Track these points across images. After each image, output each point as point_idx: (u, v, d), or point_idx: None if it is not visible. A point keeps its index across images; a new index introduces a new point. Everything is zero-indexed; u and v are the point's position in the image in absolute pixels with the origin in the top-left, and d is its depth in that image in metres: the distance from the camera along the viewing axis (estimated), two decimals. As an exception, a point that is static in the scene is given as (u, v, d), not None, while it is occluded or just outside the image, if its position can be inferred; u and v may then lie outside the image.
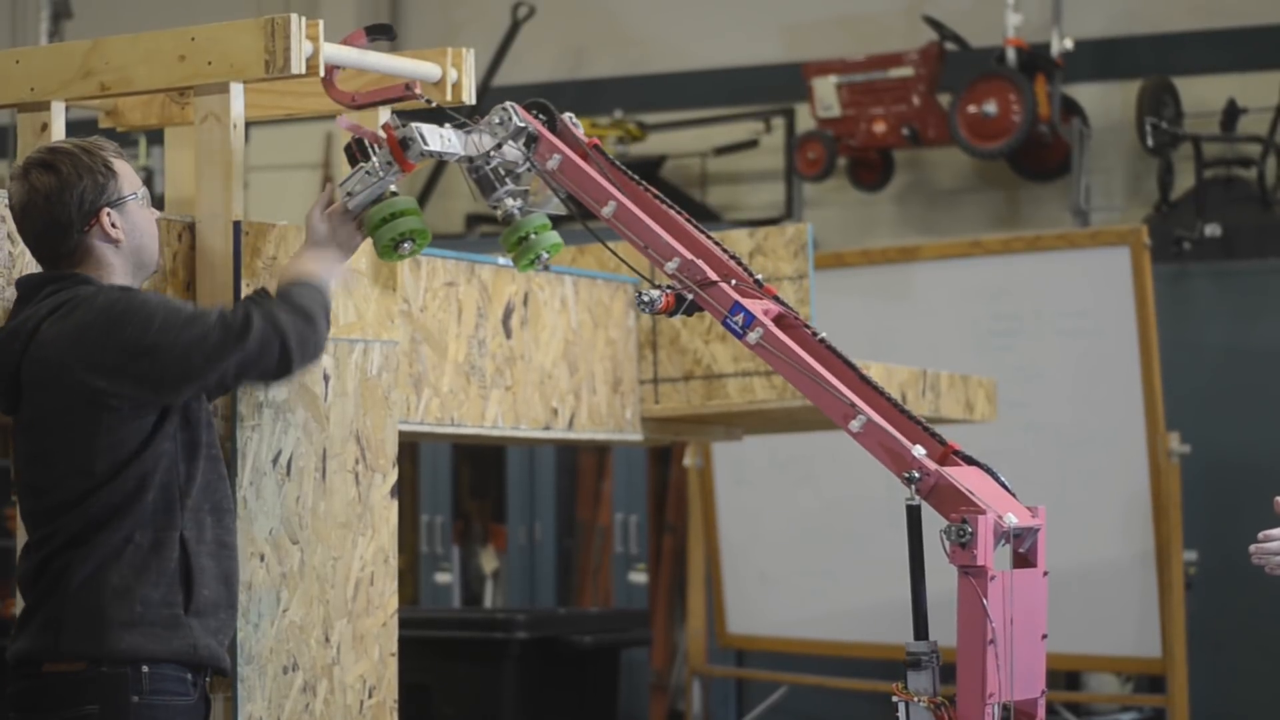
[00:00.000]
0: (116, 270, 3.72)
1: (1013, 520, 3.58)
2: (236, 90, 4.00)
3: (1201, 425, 8.10)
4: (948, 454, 3.69)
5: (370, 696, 4.23)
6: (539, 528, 9.63)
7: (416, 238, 4.01)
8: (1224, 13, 9.52)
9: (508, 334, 4.87)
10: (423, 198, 10.59)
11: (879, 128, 9.60)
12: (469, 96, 4.34)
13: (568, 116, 4.13)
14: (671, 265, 3.85)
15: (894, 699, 3.59)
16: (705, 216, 10.11)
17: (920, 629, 3.61)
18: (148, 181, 10.18)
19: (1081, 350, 7.96)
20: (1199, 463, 7.92)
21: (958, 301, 8.21)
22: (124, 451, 3.62)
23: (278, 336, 3.67)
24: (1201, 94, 9.26)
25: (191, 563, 3.66)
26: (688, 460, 8.80)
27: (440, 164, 10.61)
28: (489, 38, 10.53)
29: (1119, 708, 8.54)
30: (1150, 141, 8.98)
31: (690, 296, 3.82)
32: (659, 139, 10.42)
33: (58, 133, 4.10)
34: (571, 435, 5.13)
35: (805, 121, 10.02)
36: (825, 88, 9.67)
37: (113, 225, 3.70)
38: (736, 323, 3.76)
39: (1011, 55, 9.24)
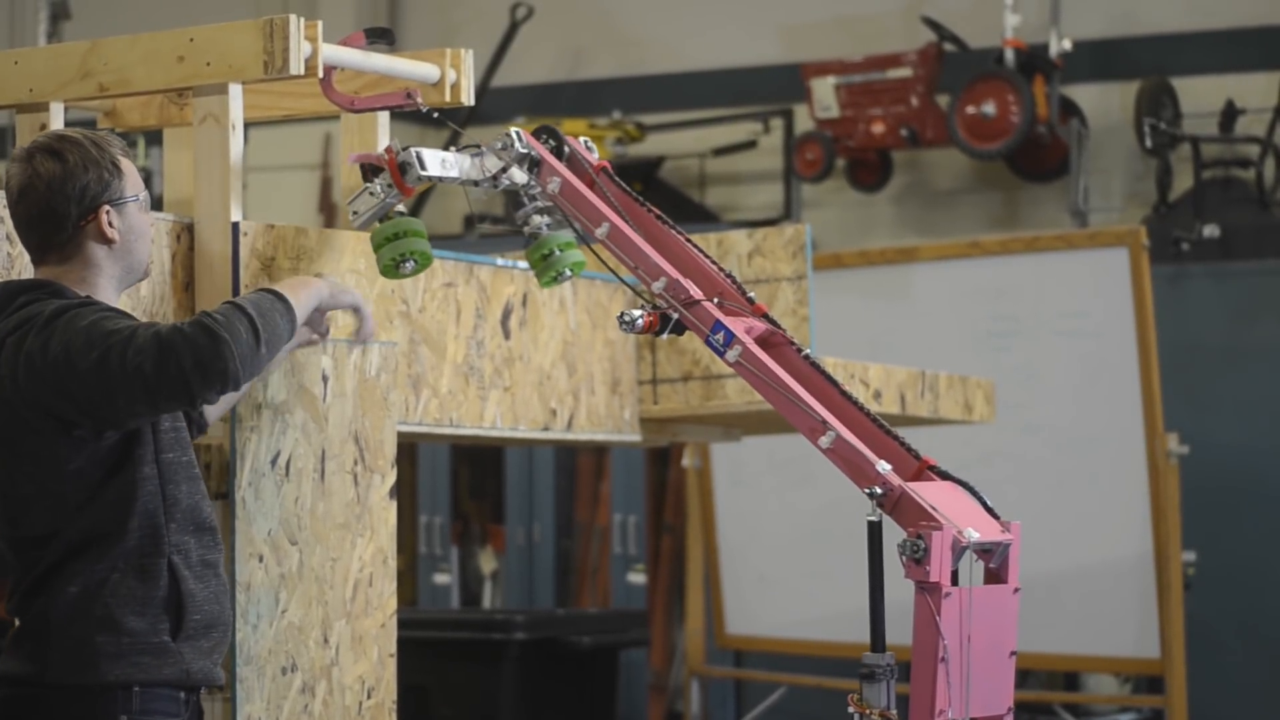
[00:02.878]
0: (104, 272, 3.63)
1: (973, 535, 3.56)
2: (235, 91, 4.00)
3: (1200, 426, 8.10)
4: (923, 469, 3.71)
5: (369, 697, 4.23)
6: (538, 528, 9.63)
7: (418, 259, 4.06)
8: (1222, 13, 9.53)
9: (506, 335, 4.87)
10: (421, 197, 10.59)
11: (877, 128, 9.61)
12: (468, 98, 4.34)
13: (582, 140, 4.19)
14: (659, 285, 3.90)
15: (849, 709, 3.62)
16: (704, 218, 10.12)
17: (877, 642, 3.63)
18: (146, 182, 10.17)
19: (1080, 351, 7.97)
20: (1197, 463, 7.92)
21: (956, 302, 8.21)
22: (92, 478, 3.51)
23: (172, 356, 3.42)
24: (1200, 95, 9.26)
25: (181, 589, 3.57)
26: (686, 461, 8.80)
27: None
28: (487, 38, 10.53)
29: (1118, 708, 8.54)
30: (1148, 142, 8.99)
31: (675, 316, 3.87)
32: (657, 140, 10.42)
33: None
34: (570, 436, 5.13)
35: (804, 122, 10.03)
36: (824, 88, 9.67)
37: (109, 225, 3.60)
38: (717, 341, 3.80)
39: (1010, 56, 9.24)
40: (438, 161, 4.06)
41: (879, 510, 3.60)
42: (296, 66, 3.93)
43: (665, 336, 3.94)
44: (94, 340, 3.46)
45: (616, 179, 4.13)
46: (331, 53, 4.06)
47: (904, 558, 3.54)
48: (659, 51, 10.67)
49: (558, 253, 4.18)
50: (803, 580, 8.52)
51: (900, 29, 9.99)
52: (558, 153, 4.14)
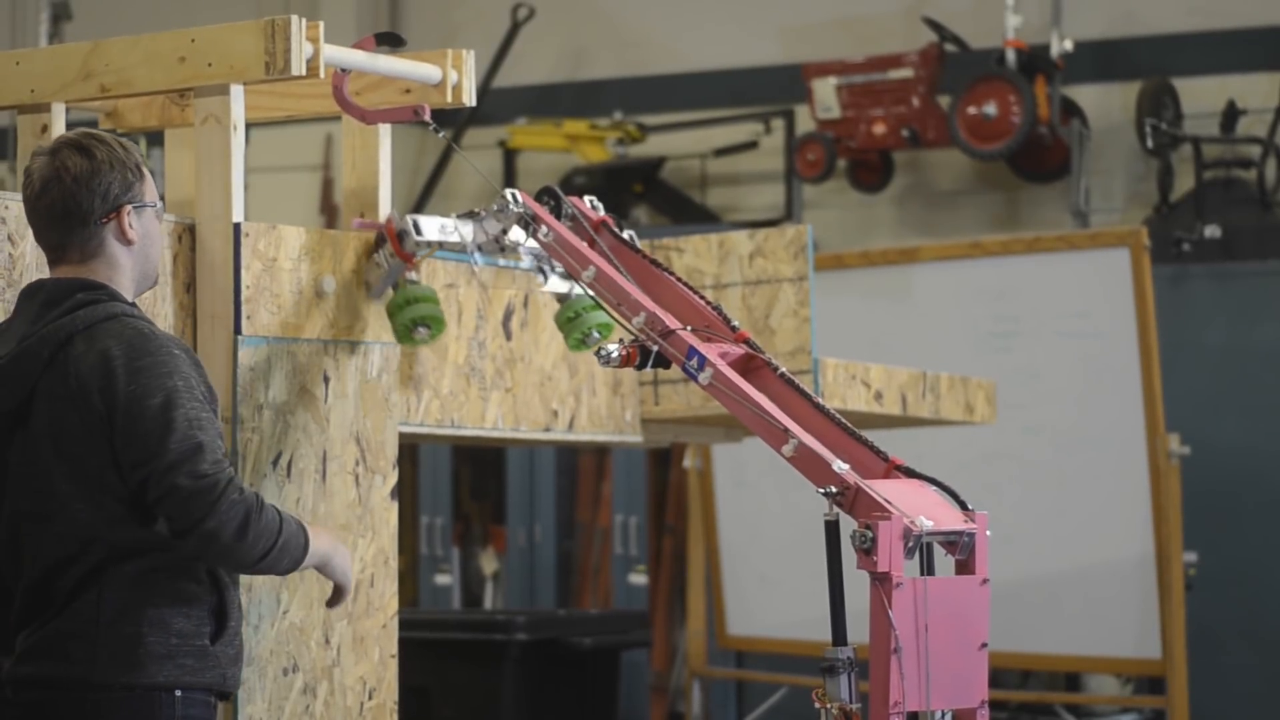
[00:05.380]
0: (125, 273, 3.62)
1: (926, 524, 3.58)
2: (236, 92, 4.00)
3: (1201, 427, 8.10)
4: (891, 469, 3.77)
5: (370, 698, 4.23)
6: (539, 529, 9.63)
7: (431, 324, 4.23)
8: (1223, 14, 9.53)
9: (508, 336, 4.87)
10: (423, 198, 10.60)
11: (879, 129, 9.61)
12: (469, 98, 4.36)
13: (588, 199, 4.34)
14: (638, 320, 4.04)
15: (815, 704, 3.66)
16: (705, 218, 10.13)
17: (838, 636, 3.66)
18: (147, 183, 10.20)
19: (1081, 352, 7.97)
20: (1199, 464, 7.92)
21: (957, 303, 8.21)
22: (139, 492, 3.50)
23: (251, 526, 3.48)
24: (1201, 95, 9.27)
25: (224, 595, 3.59)
26: (687, 462, 8.80)
27: (442, 162, 10.65)
28: (488, 39, 10.54)
29: (1119, 709, 8.54)
30: (1150, 143, 8.99)
31: (655, 349, 4.01)
32: (659, 140, 10.43)
33: (58, 134, 4.09)
34: (571, 437, 5.13)
35: (805, 123, 10.03)
36: (825, 89, 9.67)
37: (130, 225, 3.59)
38: (692, 366, 3.93)
39: (1011, 57, 9.25)
40: (435, 227, 4.21)
41: (836, 509, 3.66)
42: (298, 67, 3.93)
43: (648, 369, 4.06)
44: (195, 417, 3.48)
45: (615, 231, 4.29)
46: (332, 53, 4.07)
47: (854, 549, 3.58)
48: (660, 52, 10.67)
49: (584, 314, 4.37)
50: (804, 581, 8.49)
51: (901, 30, 9.99)
52: (556, 212, 4.28)
